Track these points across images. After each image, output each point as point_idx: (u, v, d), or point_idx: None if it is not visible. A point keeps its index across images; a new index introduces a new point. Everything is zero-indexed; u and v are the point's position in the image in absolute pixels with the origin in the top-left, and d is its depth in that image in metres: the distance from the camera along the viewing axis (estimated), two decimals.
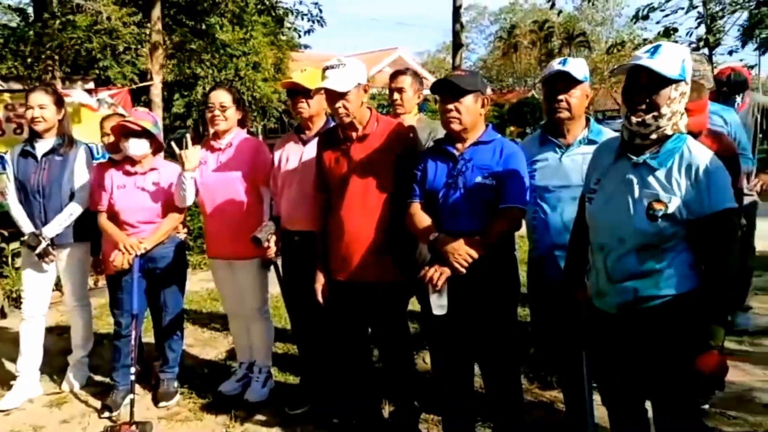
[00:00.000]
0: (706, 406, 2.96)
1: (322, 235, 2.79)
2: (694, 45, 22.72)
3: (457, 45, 6.29)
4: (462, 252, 2.22)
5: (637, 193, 1.85)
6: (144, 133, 3.21)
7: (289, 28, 12.49)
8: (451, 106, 2.32)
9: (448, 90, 2.33)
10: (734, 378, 3.32)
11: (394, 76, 3.38)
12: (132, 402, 3.13)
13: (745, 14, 25.29)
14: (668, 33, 22.44)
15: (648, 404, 2.03)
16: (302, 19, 10.72)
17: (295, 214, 3.01)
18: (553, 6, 5.73)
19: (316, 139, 2.92)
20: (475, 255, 2.22)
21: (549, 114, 2.53)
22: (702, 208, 1.76)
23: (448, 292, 2.28)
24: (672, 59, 1.78)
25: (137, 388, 3.28)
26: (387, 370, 2.91)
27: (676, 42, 22.39)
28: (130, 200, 3.25)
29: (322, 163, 2.77)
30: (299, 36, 12.29)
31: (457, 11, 6.64)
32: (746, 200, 3.66)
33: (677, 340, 1.82)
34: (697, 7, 24.78)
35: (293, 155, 3.07)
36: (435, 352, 2.63)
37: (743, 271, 4.08)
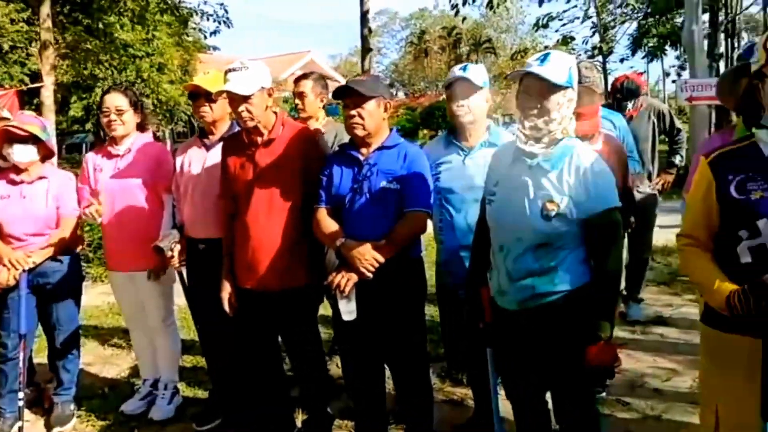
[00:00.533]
0: (604, 394, 3.15)
1: (228, 242, 2.71)
2: (589, 53, 24.22)
3: (365, 49, 6.34)
4: (368, 257, 2.23)
5: (532, 194, 1.93)
6: (31, 139, 2.98)
7: (194, 29, 12.08)
8: (353, 112, 2.33)
9: (350, 96, 2.33)
10: (627, 366, 3.55)
11: (297, 80, 3.37)
12: (20, 429, 2.90)
13: (635, 25, 27.21)
14: (566, 41, 23.77)
15: (548, 395, 2.13)
16: (207, 19, 10.39)
17: (200, 221, 2.90)
18: (457, 13, 5.92)
19: (220, 145, 2.83)
20: (382, 259, 2.24)
21: (452, 118, 2.60)
22: (590, 207, 1.88)
23: (356, 297, 2.28)
24: (560, 67, 1.88)
25: (28, 413, 3.04)
26: (298, 377, 2.87)
27: (573, 49, 23.68)
28: (16, 211, 3.00)
29: (227, 168, 2.69)
30: (205, 37, 11.91)
31: (364, 16, 6.68)
32: (638, 197, 3.93)
33: (571, 333, 1.93)
34: (591, 17, 26.42)
35: (196, 161, 2.96)
36: (345, 357, 2.63)
37: (640, 263, 4.38)
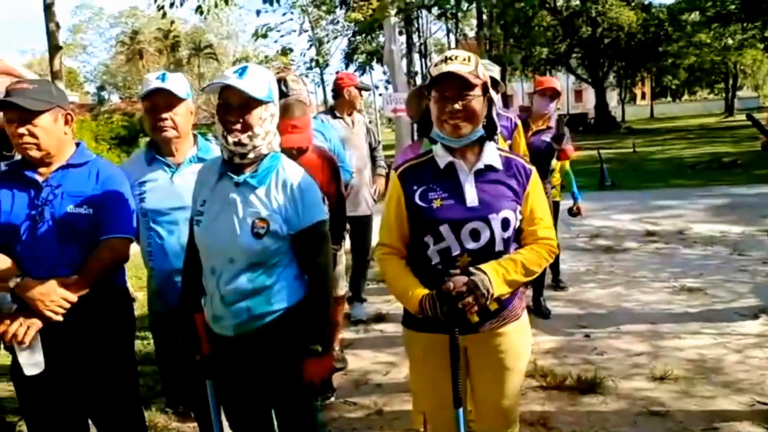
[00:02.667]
0: (332, 399, 3.24)
1: None
2: (307, 65, 25.41)
3: (54, 47, 5.47)
4: (54, 297, 1.87)
5: (241, 213, 1.85)
6: None
7: None
8: (23, 130, 1.93)
9: (13, 110, 1.93)
10: (353, 366, 3.74)
11: None
12: None
13: (345, 41, 29.49)
14: (285, 52, 24.55)
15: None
16: None
17: None
18: (164, 16, 5.53)
19: None
20: (73, 298, 1.90)
21: (153, 132, 2.36)
22: (298, 223, 1.87)
23: (43, 343, 1.90)
24: (259, 81, 1.82)
25: None
26: None
27: (293, 61, 24.53)
28: None
29: None
30: None
31: (48, 8, 5.79)
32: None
33: (289, 351, 1.90)
34: (307, 31, 27.74)
35: None
36: (33, 417, 2.16)
37: (361, 265, 4.64)
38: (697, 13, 29.76)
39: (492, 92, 3.18)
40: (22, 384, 2.03)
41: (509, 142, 3.77)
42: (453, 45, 31.83)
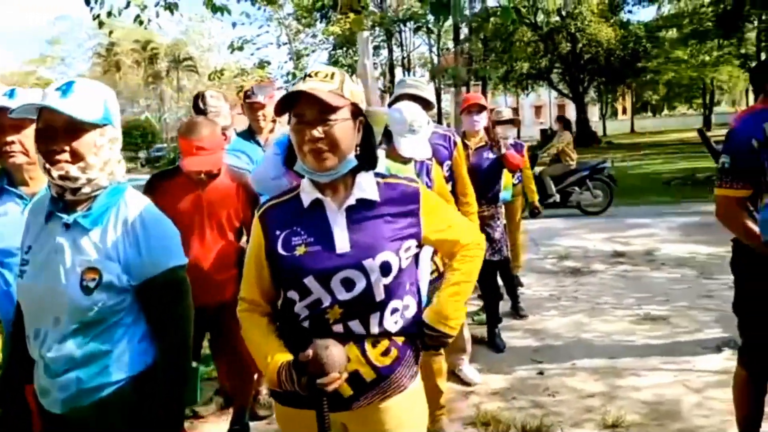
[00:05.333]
0: None
1: None
2: (285, 78, 25.17)
3: None
4: None
5: (69, 261, 1.50)
6: None
7: None
8: None
9: None
10: None
11: None
12: None
13: (326, 54, 29.39)
14: (262, 65, 24.33)
15: None
16: None
17: None
18: (101, 26, 5.20)
19: None
20: None
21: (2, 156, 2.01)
22: (143, 271, 1.53)
23: None
24: (89, 99, 1.49)
25: None
26: None
27: (270, 74, 24.31)
28: None
29: None
30: None
31: None
32: None
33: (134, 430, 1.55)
34: (287, 44, 27.57)
35: None
36: None
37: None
38: (675, 30, 30.03)
39: (422, 113, 2.92)
40: None
41: (449, 162, 3.48)
42: (436, 59, 31.86)
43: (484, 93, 29.97)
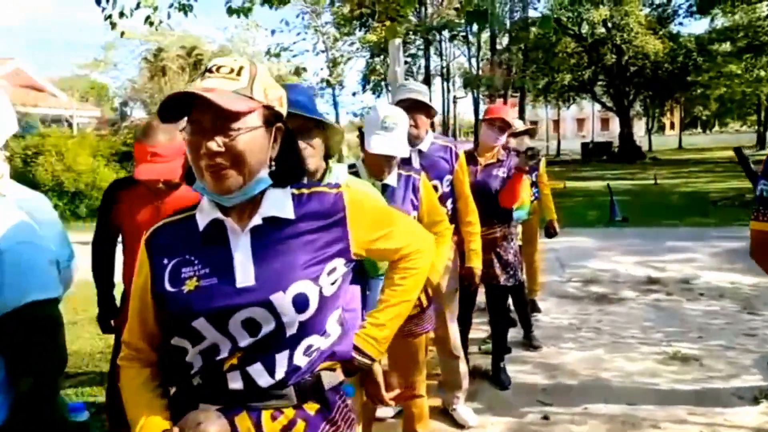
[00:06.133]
0: None
1: None
2: (320, 85, 25.26)
3: None
4: None
5: None
6: None
7: None
8: None
9: None
10: None
11: None
12: None
13: (362, 61, 29.36)
14: (299, 72, 24.43)
15: None
16: None
17: None
18: (113, 27, 5.07)
19: None
20: None
21: None
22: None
23: None
24: None
25: None
26: None
27: (305, 81, 24.52)
28: None
29: None
30: None
31: None
32: None
33: None
34: (324, 51, 27.62)
35: None
36: None
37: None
38: (728, 43, 28.81)
39: (402, 114, 2.55)
40: None
41: (450, 177, 3.09)
42: (475, 69, 31.34)
43: (522, 104, 29.34)
